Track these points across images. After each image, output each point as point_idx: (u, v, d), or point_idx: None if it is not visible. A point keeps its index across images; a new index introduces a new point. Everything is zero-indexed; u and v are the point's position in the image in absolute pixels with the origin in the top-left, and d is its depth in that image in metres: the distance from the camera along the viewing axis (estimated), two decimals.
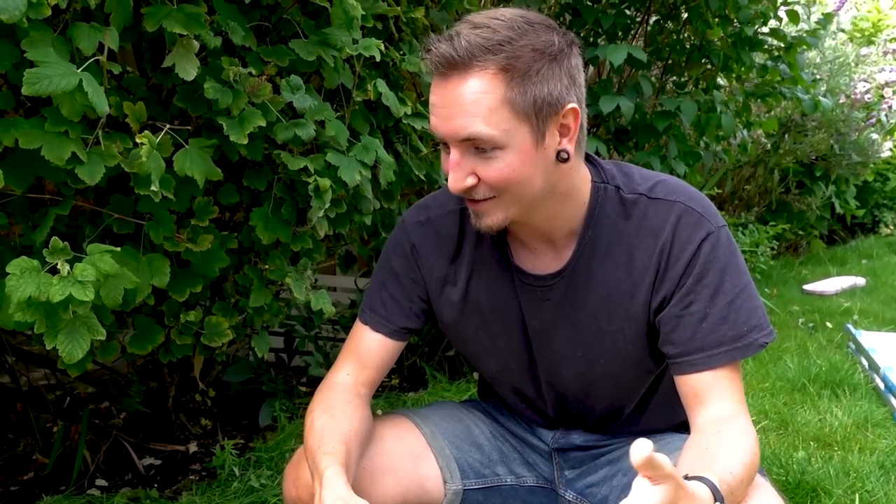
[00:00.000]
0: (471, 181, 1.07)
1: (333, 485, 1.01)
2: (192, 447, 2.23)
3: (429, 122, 1.11)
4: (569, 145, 1.09)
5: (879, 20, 7.82)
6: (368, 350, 1.29)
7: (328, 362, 2.66)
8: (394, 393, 2.74)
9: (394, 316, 1.29)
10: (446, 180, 1.09)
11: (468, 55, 1.01)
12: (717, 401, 1.11)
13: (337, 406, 1.21)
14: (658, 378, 1.28)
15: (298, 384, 2.71)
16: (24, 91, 1.02)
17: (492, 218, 1.11)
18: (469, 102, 1.02)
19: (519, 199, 1.09)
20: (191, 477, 2.10)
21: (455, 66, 1.02)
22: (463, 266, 1.27)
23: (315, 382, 2.67)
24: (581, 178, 1.17)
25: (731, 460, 1.01)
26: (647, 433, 1.33)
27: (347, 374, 1.28)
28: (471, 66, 1.01)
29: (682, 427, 1.28)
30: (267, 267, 1.65)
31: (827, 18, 3.48)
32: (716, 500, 0.92)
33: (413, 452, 1.27)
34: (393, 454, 1.23)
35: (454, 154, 1.06)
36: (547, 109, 1.05)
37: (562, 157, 1.09)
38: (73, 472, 2.01)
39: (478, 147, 1.05)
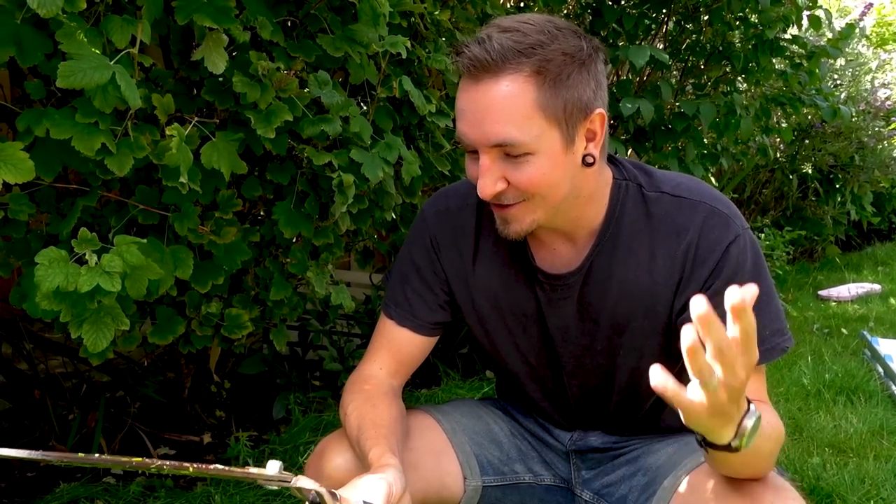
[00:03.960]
0: (500, 186, 1.06)
1: (381, 464, 1.00)
2: (207, 438, 2.24)
3: (451, 119, 1.10)
4: (594, 150, 1.10)
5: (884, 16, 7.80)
6: (399, 345, 1.29)
7: (342, 357, 2.67)
8: (406, 389, 2.75)
9: (418, 310, 1.29)
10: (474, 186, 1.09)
11: (501, 57, 1.01)
12: None
13: (375, 395, 1.21)
14: (678, 377, 1.28)
15: (312, 378, 2.72)
16: (59, 83, 1.03)
17: (519, 224, 1.10)
18: (501, 107, 1.02)
19: (546, 203, 1.09)
20: None
21: (487, 68, 1.01)
22: (480, 261, 1.27)
23: (329, 377, 2.69)
24: (604, 180, 1.17)
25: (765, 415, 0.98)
26: (665, 433, 1.33)
27: (380, 368, 1.29)
28: (503, 68, 1.01)
29: None
30: (288, 261, 1.66)
31: (850, 28, 3.46)
32: (749, 405, 0.90)
33: (435, 448, 1.28)
34: (416, 450, 1.24)
35: (484, 160, 1.05)
36: (576, 114, 1.05)
37: (587, 162, 1.09)
38: None
39: (508, 153, 1.04)
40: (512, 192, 1.07)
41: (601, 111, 1.08)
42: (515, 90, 1.01)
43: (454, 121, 1.23)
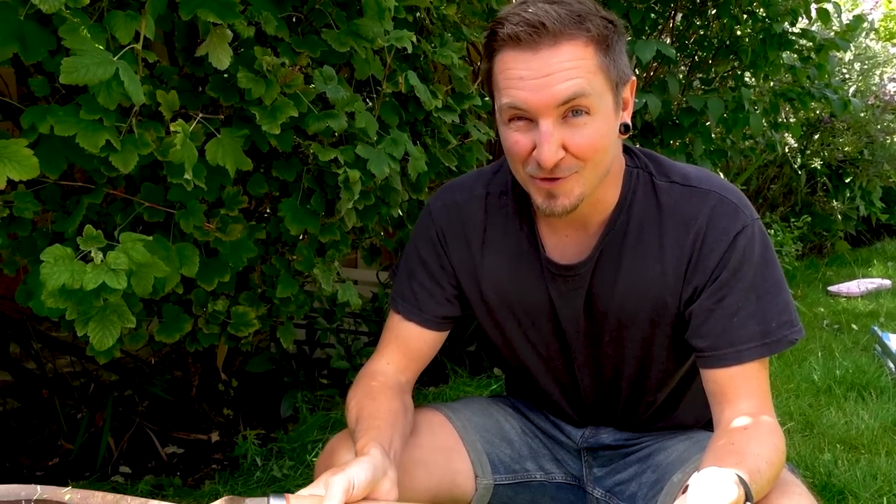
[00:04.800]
0: (561, 153, 1.04)
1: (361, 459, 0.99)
2: (214, 436, 2.24)
3: (458, 114, 1.09)
4: (627, 118, 1.12)
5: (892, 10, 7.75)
6: (407, 340, 1.28)
7: (349, 355, 2.67)
8: (414, 387, 2.73)
9: (426, 305, 1.28)
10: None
11: (560, 23, 1.01)
12: (744, 397, 1.10)
13: (377, 389, 1.21)
14: (690, 373, 1.27)
15: (320, 376, 2.71)
16: (62, 80, 1.02)
17: (568, 197, 1.08)
18: (570, 66, 1.01)
19: (595, 171, 1.08)
20: (213, 466, 2.11)
21: (546, 35, 1.01)
22: (489, 254, 1.26)
23: (336, 374, 2.69)
24: (621, 162, 1.18)
25: (759, 458, 1.00)
26: (677, 429, 1.31)
27: (388, 364, 1.28)
28: (562, 34, 1.01)
29: (712, 425, 1.27)
30: (294, 258, 1.65)
31: (858, 21, 3.42)
32: (747, 500, 0.91)
33: (446, 446, 1.27)
34: (426, 447, 1.23)
35: (546, 125, 1.03)
36: (622, 81, 1.08)
37: (621, 131, 1.11)
38: (97, 459, 2.02)
39: (572, 112, 1.03)
40: (568, 160, 1.05)
41: (634, 79, 1.12)
42: (580, 52, 1.02)
43: (461, 116, 1.22)
